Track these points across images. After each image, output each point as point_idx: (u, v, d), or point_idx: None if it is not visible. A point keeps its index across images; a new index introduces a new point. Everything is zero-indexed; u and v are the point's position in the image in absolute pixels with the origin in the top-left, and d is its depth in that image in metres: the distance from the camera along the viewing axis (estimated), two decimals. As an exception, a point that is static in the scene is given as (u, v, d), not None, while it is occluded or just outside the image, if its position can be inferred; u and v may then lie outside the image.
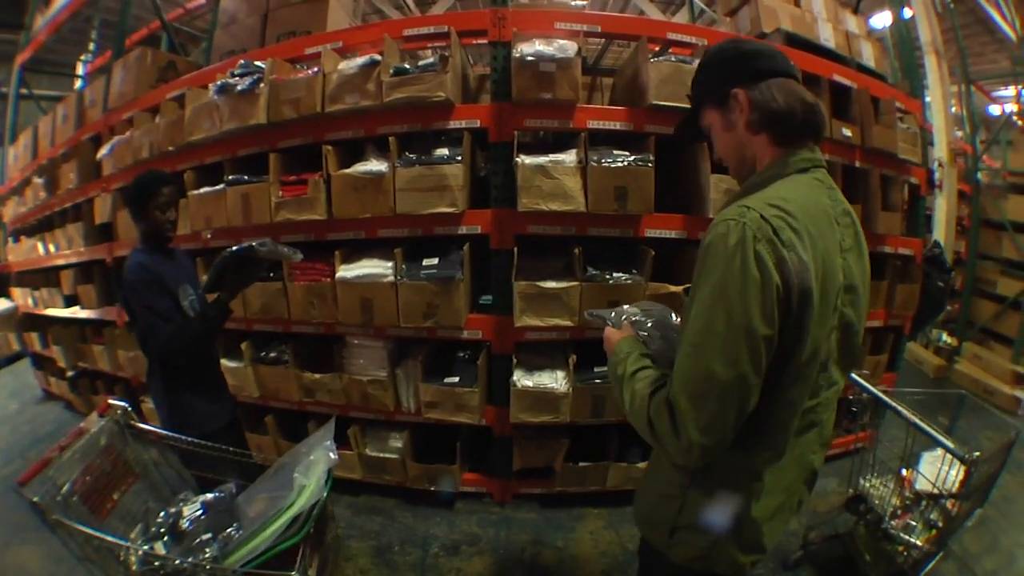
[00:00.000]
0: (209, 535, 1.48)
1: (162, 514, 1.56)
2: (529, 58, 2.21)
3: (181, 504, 1.61)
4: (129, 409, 1.81)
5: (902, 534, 2.06)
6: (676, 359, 0.90)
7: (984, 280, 4.79)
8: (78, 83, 6.78)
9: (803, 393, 0.94)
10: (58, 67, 6.86)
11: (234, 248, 1.85)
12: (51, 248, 4.09)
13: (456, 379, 2.47)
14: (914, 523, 2.09)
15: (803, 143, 0.99)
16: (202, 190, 2.71)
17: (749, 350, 0.83)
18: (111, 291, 3.63)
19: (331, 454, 1.54)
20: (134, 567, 1.41)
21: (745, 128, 0.99)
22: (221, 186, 2.63)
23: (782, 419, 0.94)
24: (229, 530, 1.51)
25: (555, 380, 2.40)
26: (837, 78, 2.76)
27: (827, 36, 3.02)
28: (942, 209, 4.99)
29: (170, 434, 1.82)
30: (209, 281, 1.88)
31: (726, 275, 0.84)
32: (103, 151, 3.27)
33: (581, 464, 2.57)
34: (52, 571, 2.29)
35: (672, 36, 2.48)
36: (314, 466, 1.53)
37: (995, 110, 9.66)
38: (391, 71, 2.27)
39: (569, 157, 2.29)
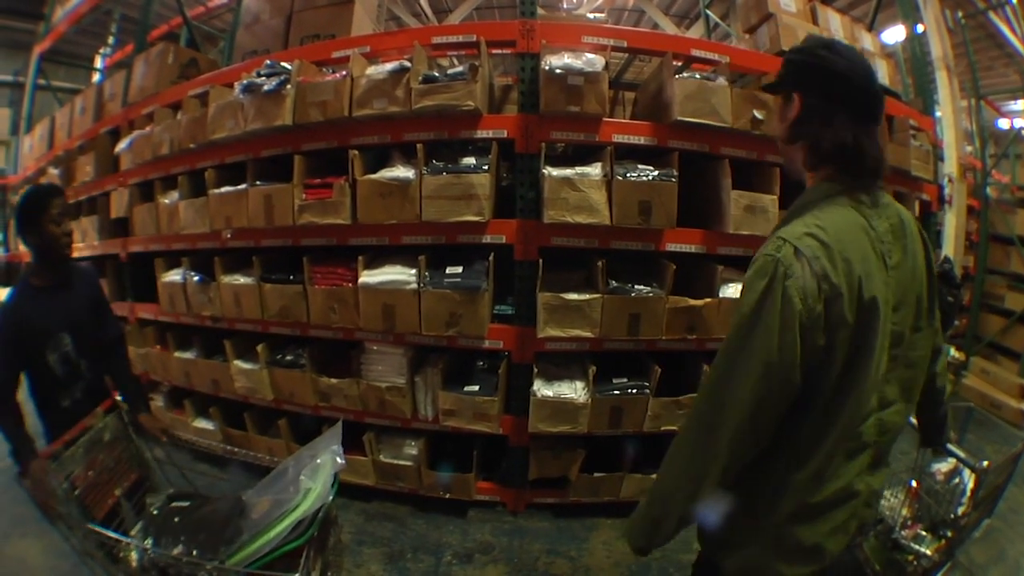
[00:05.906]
0: (213, 534, 1.49)
1: (163, 511, 1.58)
2: (558, 71, 2.22)
3: (183, 502, 1.62)
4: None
5: (912, 544, 2.09)
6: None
7: (992, 295, 4.83)
8: (96, 76, 6.78)
9: (835, 417, 0.96)
10: (76, 59, 6.85)
11: None
12: (64, 241, 4.08)
13: (476, 388, 2.48)
14: (924, 533, 2.12)
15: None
16: (223, 189, 2.72)
17: (767, 378, 0.91)
18: (123, 286, 3.63)
19: (338, 458, 1.53)
20: (134, 564, 1.41)
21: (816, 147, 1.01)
22: (243, 186, 2.63)
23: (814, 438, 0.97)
24: (231, 529, 1.51)
25: (575, 390, 2.41)
26: (856, 96, 2.77)
27: (846, 54, 3.03)
28: (951, 224, 4.99)
29: (174, 433, 1.84)
30: None
31: (755, 310, 0.92)
32: (122, 145, 3.27)
33: (596, 474, 2.58)
34: (52, 565, 2.27)
35: (696, 53, 2.50)
36: (321, 469, 1.52)
37: (1004, 124, 9.68)
38: (420, 78, 2.28)
39: (595, 170, 2.30)
